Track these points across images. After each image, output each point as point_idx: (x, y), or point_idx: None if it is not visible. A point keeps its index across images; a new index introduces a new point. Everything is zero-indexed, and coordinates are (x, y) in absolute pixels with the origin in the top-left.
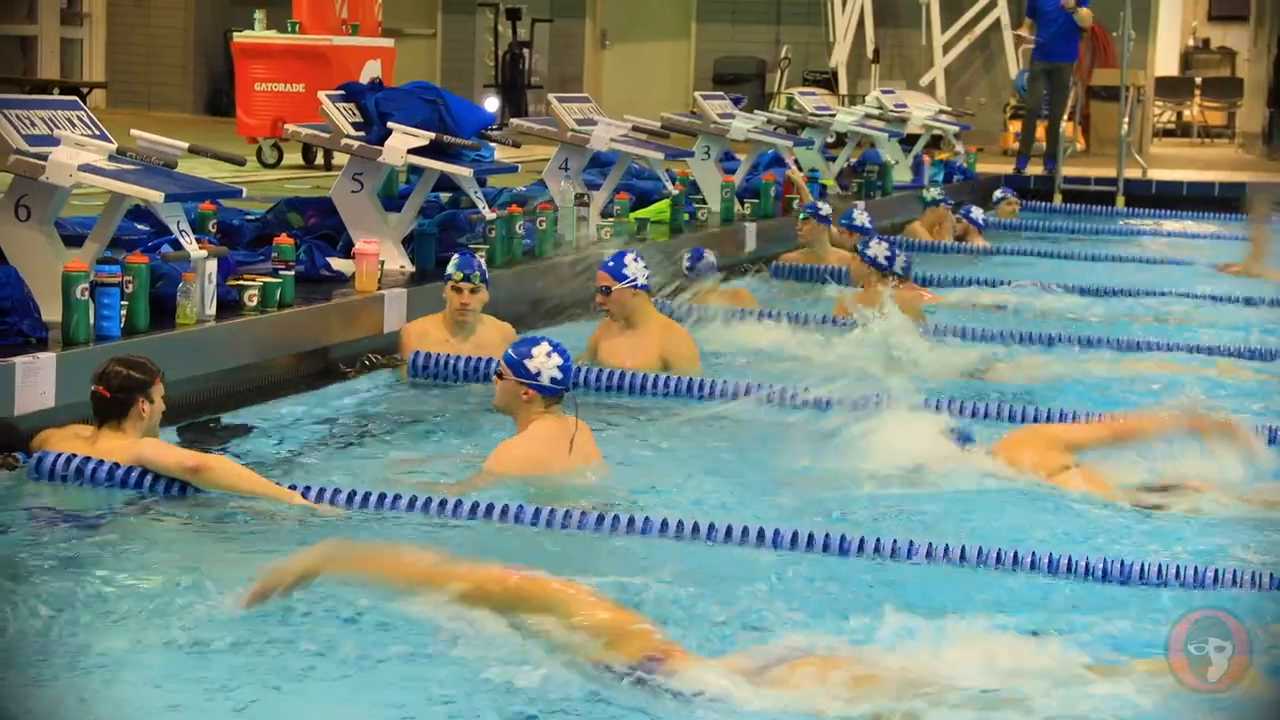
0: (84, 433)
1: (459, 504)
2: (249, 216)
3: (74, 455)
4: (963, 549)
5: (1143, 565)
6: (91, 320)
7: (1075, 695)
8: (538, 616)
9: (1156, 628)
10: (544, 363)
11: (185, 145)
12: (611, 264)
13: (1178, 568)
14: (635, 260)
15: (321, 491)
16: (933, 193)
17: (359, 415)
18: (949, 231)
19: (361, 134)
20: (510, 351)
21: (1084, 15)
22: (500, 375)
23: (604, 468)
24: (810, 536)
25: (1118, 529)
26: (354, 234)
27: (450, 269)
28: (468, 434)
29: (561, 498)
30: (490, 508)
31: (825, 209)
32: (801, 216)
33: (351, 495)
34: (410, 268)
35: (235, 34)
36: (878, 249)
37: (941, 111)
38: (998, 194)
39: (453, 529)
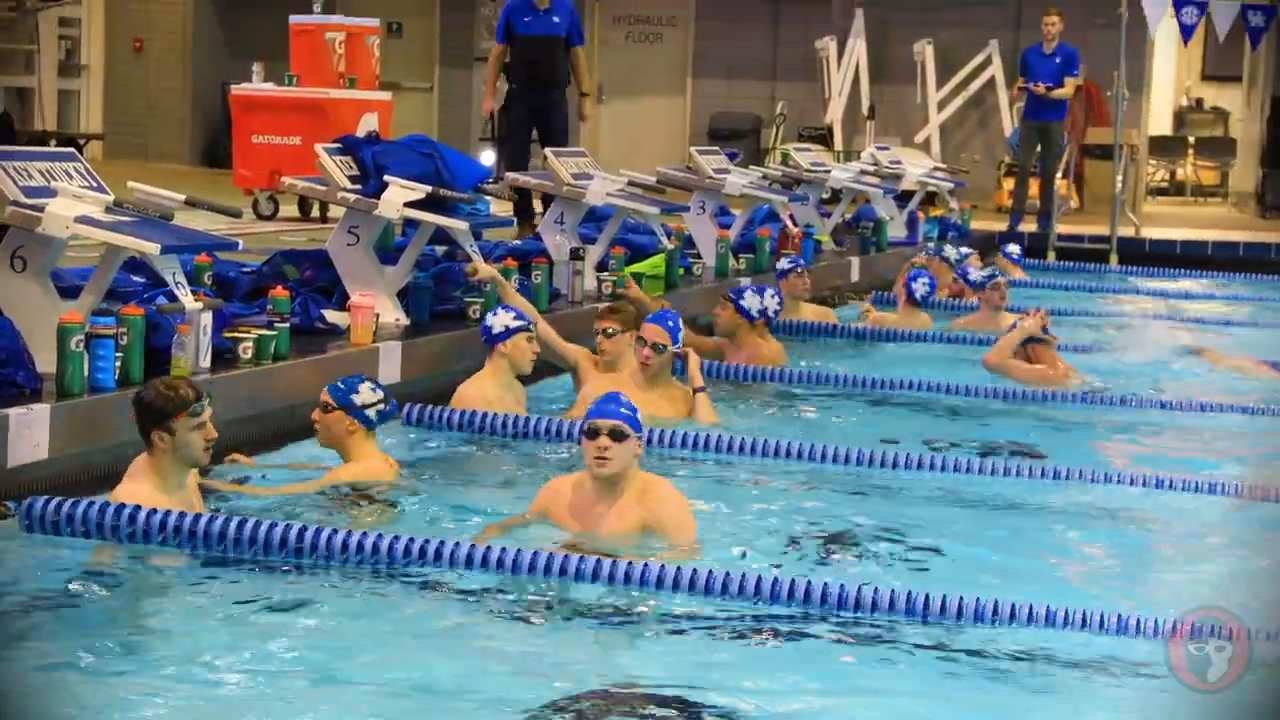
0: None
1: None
2: (245, 269)
3: (64, 500)
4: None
5: None
6: (86, 372)
7: None
8: None
9: None
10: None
11: (182, 197)
12: (670, 322)
13: None
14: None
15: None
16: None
17: None
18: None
19: (358, 187)
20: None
21: (1063, 92)
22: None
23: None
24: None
25: None
26: (349, 287)
27: (515, 324)
28: (469, 486)
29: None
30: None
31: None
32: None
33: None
34: (405, 320)
35: (233, 86)
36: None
37: (936, 168)
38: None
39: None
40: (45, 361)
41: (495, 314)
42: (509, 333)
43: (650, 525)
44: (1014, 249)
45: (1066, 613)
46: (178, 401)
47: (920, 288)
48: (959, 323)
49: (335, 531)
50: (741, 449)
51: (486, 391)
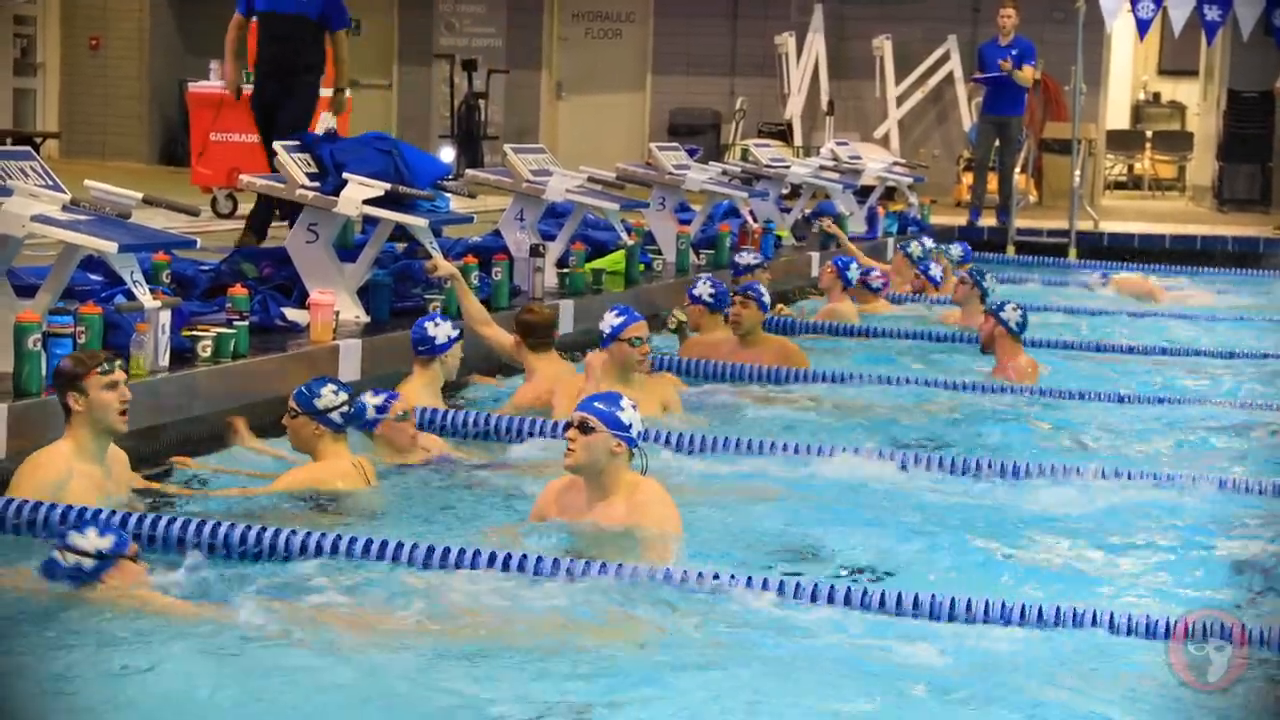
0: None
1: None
2: (203, 267)
3: (24, 502)
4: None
5: None
6: (44, 371)
7: None
8: None
9: None
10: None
11: (139, 195)
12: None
13: None
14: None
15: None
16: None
17: None
18: (908, 283)
19: (317, 184)
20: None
21: (1023, 76)
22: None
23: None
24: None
25: None
26: (309, 284)
27: (454, 332)
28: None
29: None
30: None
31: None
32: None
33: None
34: (365, 318)
35: (191, 84)
36: None
37: (895, 163)
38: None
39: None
40: (2, 361)
41: (436, 324)
42: (451, 343)
43: (634, 527)
44: (935, 270)
45: (1059, 611)
46: (87, 361)
47: (853, 274)
48: (943, 316)
49: (279, 531)
50: (729, 448)
51: (424, 397)
